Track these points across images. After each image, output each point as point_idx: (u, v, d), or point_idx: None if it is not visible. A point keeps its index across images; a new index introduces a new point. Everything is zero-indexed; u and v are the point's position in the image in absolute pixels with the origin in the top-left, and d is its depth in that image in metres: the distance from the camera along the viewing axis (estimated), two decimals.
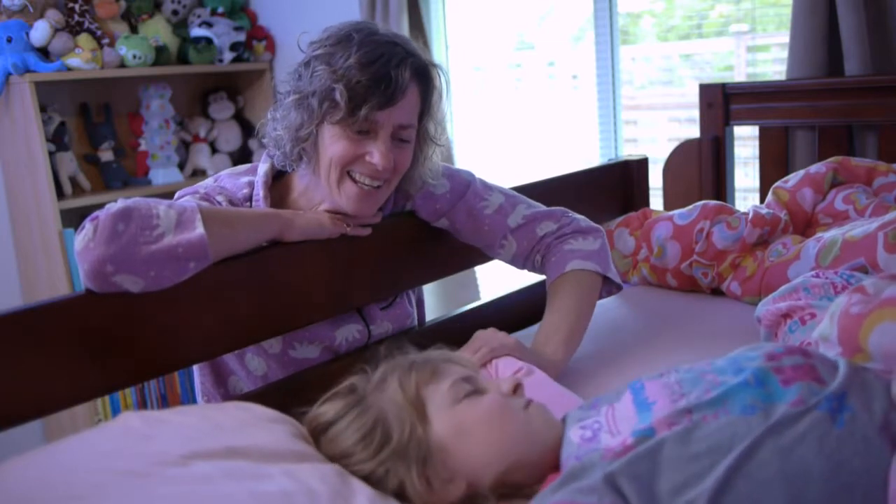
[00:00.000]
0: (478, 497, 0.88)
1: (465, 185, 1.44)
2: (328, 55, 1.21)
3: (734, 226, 1.69)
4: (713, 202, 1.77)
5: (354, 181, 1.26)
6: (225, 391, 1.42)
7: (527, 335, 1.34)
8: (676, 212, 1.80)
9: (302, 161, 1.29)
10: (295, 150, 1.27)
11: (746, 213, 1.71)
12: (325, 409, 0.95)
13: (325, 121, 1.22)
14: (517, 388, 0.97)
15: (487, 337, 1.26)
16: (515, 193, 1.48)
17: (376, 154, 1.22)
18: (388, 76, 1.18)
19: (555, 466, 0.90)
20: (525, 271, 1.51)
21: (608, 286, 1.44)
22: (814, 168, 1.76)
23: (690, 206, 1.79)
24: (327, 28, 1.26)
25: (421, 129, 1.31)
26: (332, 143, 1.23)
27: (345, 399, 0.95)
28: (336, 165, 1.24)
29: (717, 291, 1.75)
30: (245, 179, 1.35)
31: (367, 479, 0.87)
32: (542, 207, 1.47)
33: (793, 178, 1.76)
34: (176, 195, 1.28)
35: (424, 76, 1.26)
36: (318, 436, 0.94)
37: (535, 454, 0.91)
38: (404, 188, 1.37)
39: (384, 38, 1.23)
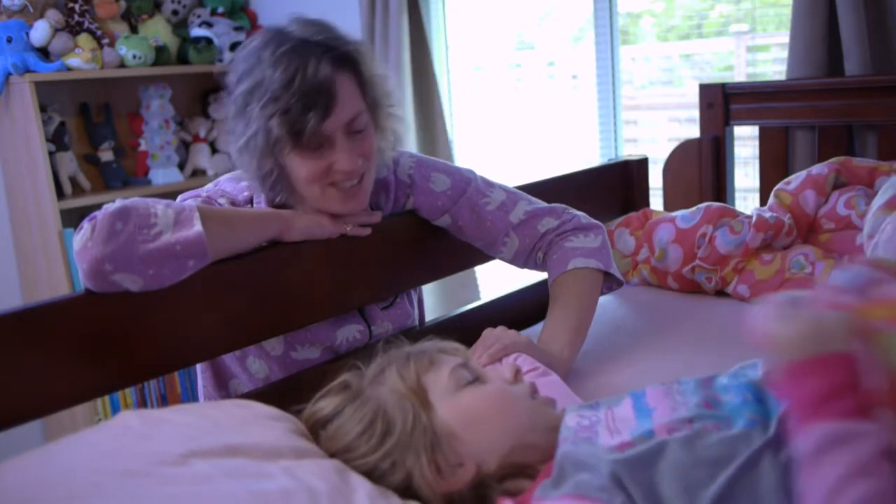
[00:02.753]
0: (484, 480, 0.89)
1: (466, 182, 1.44)
2: (251, 90, 1.17)
3: (737, 230, 1.68)
4: (716, 204, 1.76)
5: (335, 186, 1.25)
6: (227, 394, 1.42)
7: (528, 334, 1.34)
8: (679, 213, 1.79)
9: (283, 194, 1.27)
10: (266, 188, 1.26)
11: (750, 217, 1.71)
12: (322, 406, 0.95)
13: (279, 154, 1.21)
14: (517, 375, 0.98)
15: (499, 334, 1.26)
16: (515, 190, 1.48)
17: (340, 160, 1.21)
18: (315, 84, 1.15)
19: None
20: (525, 270, 1.51)
21: (609, 282, 1.45)
22: (816, 169, 1.75)
23: (693, 209, 1.78)
24: (237, 54, 1.23)
25: (371, 113, 1.26)
26: (298, 169, 1.22)
27: (341, 394, 0.95)
28: (312, 184, 1.24)
29: (719, 293, 1.74)
30: (245, 183, 1.34)
31: (371, 473, 0.87)
32: (543, 204, 1.47)
33: (794, 180, 1.75)
34: (178, 199, 1.28)
35: (349, 61, 1.21)
36: (317, 432, 0.94)
37: (541, 439, 0.92)
38: (378, 167, 1.34)
39: (293, 41, 1.17)
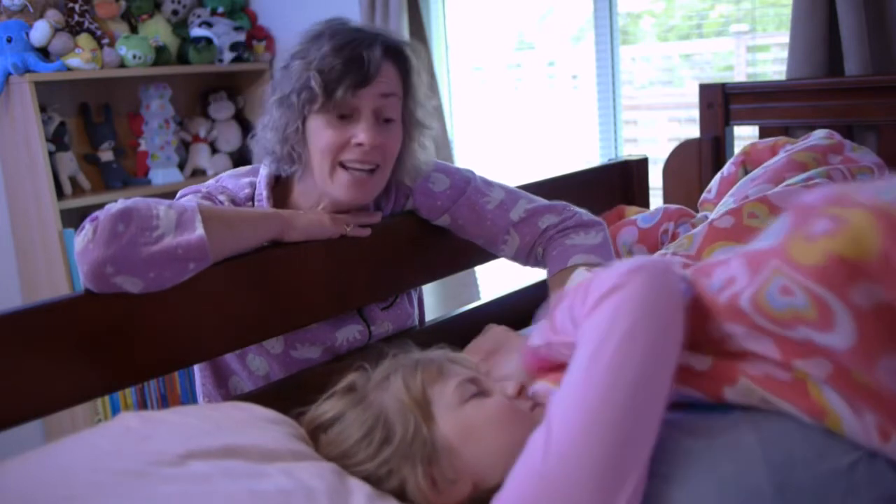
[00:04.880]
0: (482, 498, 0.88)
1: (465, 181, 1.44)
2: (303, 51, 1.23)
3: (699, 226, 1.68)
4: (674, 206, 1.76)
5: (346, 168, 1.25)
6: (226, 392, 1.42)
7: (528, 333, 1.34)
8: (639, 216, 1.79)
9: (294, 163, 1.29)
10: (285, 150, 1.27)
11: (705, 215, 1.70)
12: (326, 409, 0.95)
13: (308, 113, 1.24)
14: (522, 391, 0.97)
15: (502, 335, 1.25)
16: (515, 189, 1.49)
17: (361, 133, 1.22)
18: (360, 57, 1.20)
19: None
20: (527, 269, 1.51)
21: None
22: (726, 170, 1.73)
23: (652, 210, 1.79)
24: (302, 31, 1.28)
25: (405, 111, 1.30)
26: (319, 134, 1.24)
27: (345, 397, 0.94)
28: (326, 155, 1.25)
29: None
30: (247, 180, 1.35)
31: (368, 479, 0.87)
32: (543, 201, 1.47)
33: (713, 187, 1.72)
34: (178, 194, 1.28)
35: (398, 55, 1.27)
36: (317, 436, 0.94)
37: None
38: (399, 178, 1.35)
39: (355, 26, 1.26)
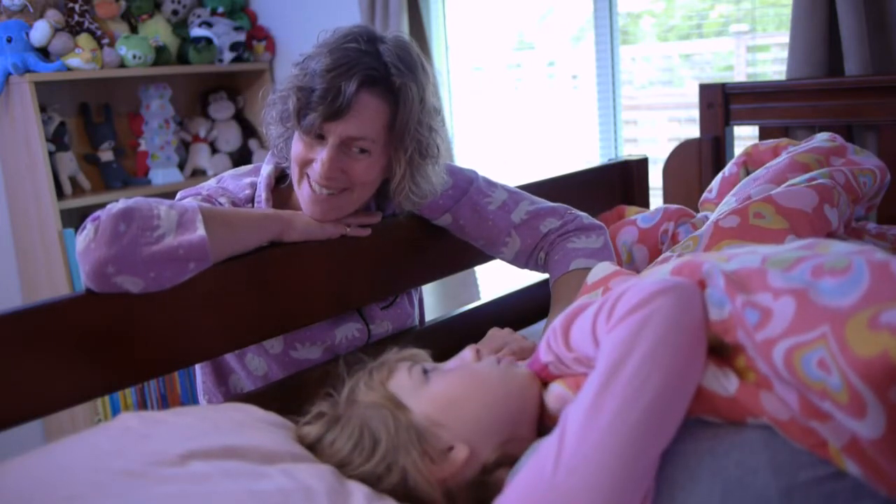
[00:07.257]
0: (486, 470, 0.90)
1: (468, 182, 1.44)
2: (305, 61, 1.22)
3: (699, 227, 1.68)
4: (674, 206, 1.76)
5: (310, 184, 1.26)
6: (226, 389, 1.42)
7: (528, 334, 1.34)
8: (639, 216, 1.79)
9: (287, 160, 1.31)
10: (279, 149, 1.30)
11: (705, 216, 1.70)
12: (308, 431, 0.97)
13: (284, 123, 1.25)
14: (478, 354, 1.02)
15: (506, 338, 1.25)
16: (518, 190, 1.48)
17: (318, 162, 1.22)
18: (337, 88, 1.16)
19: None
20: (526, 271, 1.51)
21: None
22: (727, 170, 1.73)
23: (652, 210, 1.79)
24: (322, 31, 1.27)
25: (393, 143, 1.24)
26: (295, 144, 1.25)
27: (319, 422, 0.96)
28: (295, 165, 1.26)
29: None
30: (248, 180, 1.35)
31: (368, 479, 0.88)
32: (545, 203, 1.47)
33: (714, 187, 1.73)
34: (178, 196, 1.29)
35: (388, 89, 1.20)
36: (312, 448, 0.95)
37: (525, 414, 0.95)
38: (397, 201, 1.33)
39: (356, 46, 1.19)
